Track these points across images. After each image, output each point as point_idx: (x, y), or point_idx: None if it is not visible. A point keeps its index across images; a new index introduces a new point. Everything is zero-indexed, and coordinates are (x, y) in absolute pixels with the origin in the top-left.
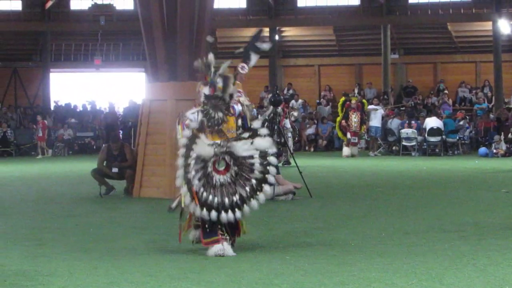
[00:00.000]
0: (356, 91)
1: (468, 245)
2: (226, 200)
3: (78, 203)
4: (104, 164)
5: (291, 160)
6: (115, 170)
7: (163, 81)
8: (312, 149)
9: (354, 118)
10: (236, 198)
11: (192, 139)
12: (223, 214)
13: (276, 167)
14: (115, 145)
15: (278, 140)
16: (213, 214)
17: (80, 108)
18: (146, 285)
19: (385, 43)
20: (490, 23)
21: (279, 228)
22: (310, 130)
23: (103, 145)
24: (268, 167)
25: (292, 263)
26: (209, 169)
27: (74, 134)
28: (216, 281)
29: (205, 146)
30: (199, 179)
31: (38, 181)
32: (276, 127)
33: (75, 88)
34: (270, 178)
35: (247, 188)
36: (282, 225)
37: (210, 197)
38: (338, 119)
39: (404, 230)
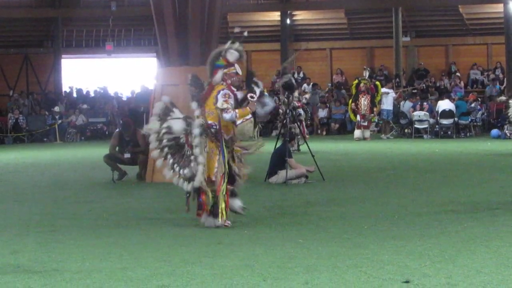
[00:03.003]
0: (366, 74)
1: (480, 227)
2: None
3: (91, 188)
4: (117, 149)
5: (301, 146)
6: (127, 155)
7: (175, 66)
8: (324, 133)
9: (364, 101)
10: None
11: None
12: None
13: (289, 151)
14: (127, 133)
15: (291, 125)
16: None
17: (92, 94)
18: (159, 270)
19: (397, 26)
20: (502, 5)
21: (292, 211)
22: (322, 114)
23: (116, 130)
24: None
25: (306, 246)
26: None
27: (86, 120)
28: (229, 265)
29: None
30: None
31: (51, 167)
32: (289, 112)
33: (87, 74)
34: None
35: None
36: (295, 208)
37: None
38: (350, 101)
39: (416, 213)
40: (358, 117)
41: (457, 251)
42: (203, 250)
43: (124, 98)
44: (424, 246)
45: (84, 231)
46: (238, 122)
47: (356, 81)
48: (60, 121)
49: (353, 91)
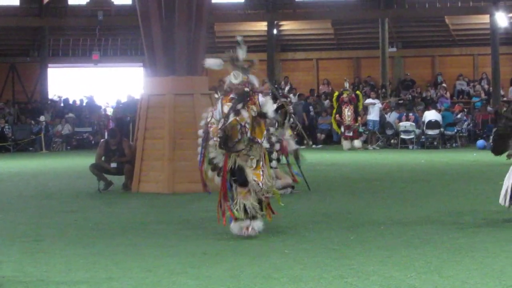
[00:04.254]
0: (346, 85)
1: (466, 238)
2: None
3: (77, 198)
4: (103, 159)
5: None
6: (113, 165)
7: (162, 76)
8: (310, 143)
9: (348, 112)
10: None
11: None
12: None
13: (277, 160)
14: (113, 140)
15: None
16: None
17: (78, 103)
18: (145, 280)
19: (383, 37)
20: (488, 16)
21: (278, 222)
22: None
23: (101, 140)
24: None
25: (291, 257)
26: None
27: (72, 129)
28: (215, 276)
29: None
30: None
31: (36, 176)
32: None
33: (73, 83)
34: None
35: None
36: (281, 218)
37: None
38: (334, 112)
39: (402, 223)
40: (342, 128)
41: (443, 261)
42: (188, 261)
43: (109, 111)
44: (410, 257)
45: (69, 241)
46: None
47: (337, 93)
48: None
49: (334, 103)
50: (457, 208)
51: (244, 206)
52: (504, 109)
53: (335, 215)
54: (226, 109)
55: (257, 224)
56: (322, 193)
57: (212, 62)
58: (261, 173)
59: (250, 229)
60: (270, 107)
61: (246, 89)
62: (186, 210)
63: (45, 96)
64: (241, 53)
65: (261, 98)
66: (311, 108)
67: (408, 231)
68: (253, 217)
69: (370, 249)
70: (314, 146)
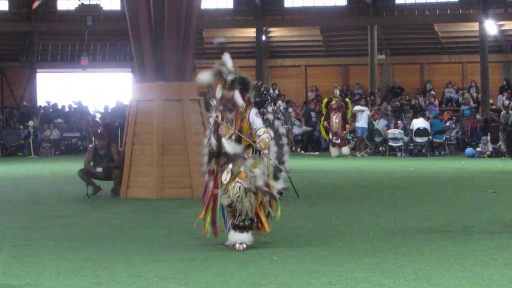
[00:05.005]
0: (337, 92)
1: (455, 245)
2: None
3: (65, 203)
4: (91, 164)
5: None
6: (101, 170)
7: (150, 82)
8: (299, 150)
9: (336, 118)
10: None
11: None
12: None
13: None
14: (101, 142)
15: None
16: None
17: (67, 109)
18: (133, 285)
19: (372, 44)
20: (477, 24)
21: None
22: (297, 131)
23: (90, 145)
24: None
25: (280, 263)
26: None
27: (60, 134)
28: (203, 281)
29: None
30: None
31: (25, 181)
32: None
33: (61, 88)
34: None
35: None
36: (269, 225)
37: None
38: (322, 119)
39: (391, 231)
40: (331, 135)
41: (432, 269)
42: (177, 266)
43: (97, 117)
44: (399, 264)
45: (58, 245)
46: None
47: (326, 99)
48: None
49: (324, 109)
50: (445, 215)
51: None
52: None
53: (324, 222)
54: (219, 117)
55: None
56: (311, 200)
57: (203, 78)
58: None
59: (238, 245)
60: (258, 122)
61: (217, 119)
62: (174, 215)
63: (33, 101)
64: (228, 64)
65: (252, 114)
66: (313, 114)
67: (396, 239)
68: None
69: (358, 256)
70: (312, 152)
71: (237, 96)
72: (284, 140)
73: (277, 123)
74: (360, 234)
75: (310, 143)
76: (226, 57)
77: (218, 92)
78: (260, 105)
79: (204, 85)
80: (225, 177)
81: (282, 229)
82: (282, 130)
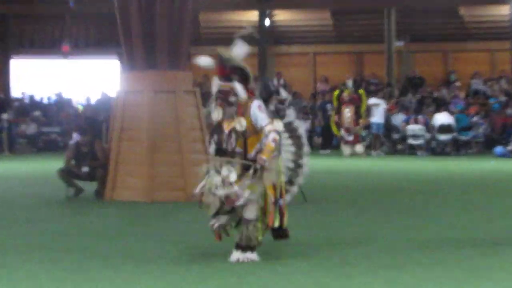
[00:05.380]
0: (349, 83)
1: (483, 258)
2: None
3: (43, 207)
4: (73, 163)
5: None
6: (84, 169)
7: (140, 70)
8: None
9: (347, 112)
10: None
11: None
12: None
13: None
14: (84, 139)
15: None
16: None
17: (45, 100)
18: None
19: (389, 29)
20: (507, 7)
21: (269, 236)
22: (305, 126)
23: (71, 141)
24: None
25: (285, 276)
26: None
27: (38, 129)
28: None
29: None
30: None
31: None
32: None
33: (40, 77)
34: None
35: None
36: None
37: None
38: (333, 113)
39: (411, 239)
40: (342, 132)
41: (457, 283)
42: (169, 279)
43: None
44: (420, 278)
45: (35, 254)
46: None
47: (338, 91)
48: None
49: (335, 102)
50: (473, 223)
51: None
52: None
53: (335, 229)
54: (215, 114)
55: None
56: (320, 205)
57: (204, 61)
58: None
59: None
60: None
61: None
62: (166, 221)
63: (7, 91)
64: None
65: (254, 107)
66: (328, 106)
67: (417, 249)
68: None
69: (374, 268)
70: (321, 151)
71: (238, 87)
72: (304, 139)
73: (296, 122)
74: (376, 243)
75: (328, 140)
76: (240, 44)
77: (215, 84)
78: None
79: (204, 68)
80: (230, 175)
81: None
82: (301, 129)
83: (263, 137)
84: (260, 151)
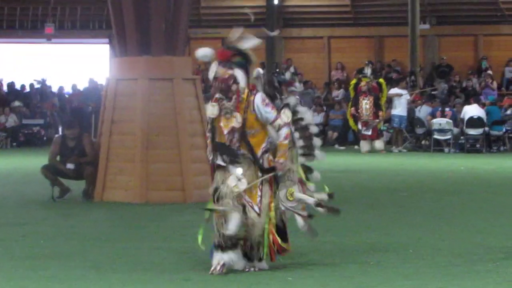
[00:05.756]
0: (368, 71)
1: None
2: None
3: (25, 208)
4: (58, 159)
5: None
6: (71, 166)
7: (133, 56)
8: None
9: (366, 104)
10: None
11: None
12: None
13: None
14: (70, 132)
15: None
16: None
17: (27, 89)
18: None
19: (413, 10)
20: None
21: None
22: (318, 119)
23: (56, 135)
24: None
25: (296, 285)
26: None
27: (19, 121)
28: None
29: None
30: None
31: None
32: None
33: (20, 63)
34: None
35: None
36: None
37: None
38: (349, 105)
39: (436, 246)
40: (360, 125)
41: None
42: (165, 287)
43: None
44: None
45: (15, 261)
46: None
47: (355, 80)
48: None
49: (352, 92)
50: (505, 228)
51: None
52: None
53: (351, 234)
54: (209, 110)
55: (230, 257)
56: (334, 206)
57: (202, 53)
58: (258, 197)
59: (219, 266)
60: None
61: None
62: (162, 224)
63: None
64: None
65: (258, 101)
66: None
67: (443, 256)
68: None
69: (395, 278)
70: (337, 147)
71: (239, 74)
72: (314, 128)
73: (301, 108)
74: (397, 250)
75: (346, 135)
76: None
77: (212, 70)
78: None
79: (203, 62)
80: (236, 182)
81: (298, 243)
82: (309, 117)
83: (271, 133)
84: (267, 150)
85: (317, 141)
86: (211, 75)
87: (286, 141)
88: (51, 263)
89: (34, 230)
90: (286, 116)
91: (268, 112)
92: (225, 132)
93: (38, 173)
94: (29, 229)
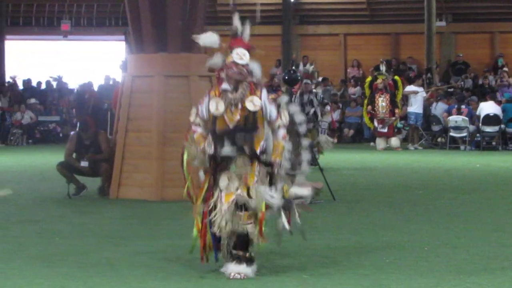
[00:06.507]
0: (382, 68)
1: None
2: None
3: (41, 205)
4: (74, 156)
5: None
6: (85, 164)
7: (149, 53)
8: (335, 140)
9: (382, 102)
10: None
11: None
12: None
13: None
14: (85, 134)
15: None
16: None
17: (43, 86)
18: None
19: (429, 7)
20: None
21: (295, 239)
22: (334, 117)
23: (72, 132)
24: None
25: (311, 283)
26: None
27: (35, 118)
28: None
29: None
30: None
31: None
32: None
33: (37, 60)
34: None
35: None
36: (298, 236)
37: None
38: (365, 102)
39: (452, 244)
40: (376, 123)
41: None
42: (182, 286)
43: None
44: (462, 286)
45: (31, 259)
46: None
47: (370, 78)
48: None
49: (367, 91)
50: None
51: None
52: None
53: (366, 232)
54: (213, 106)
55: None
56: (350, 204)
57: (207, 39)
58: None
59: (243, 275)
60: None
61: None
62: (178, 222)
63: (1, 76)
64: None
65: (265, 97)
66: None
67: (459, 254)
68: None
69: (411, 276)
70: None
71: (255, 66)
72: (302, 128)
73: (292, 107)
74: (413, 248)
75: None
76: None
77: (218, 59)
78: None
79: (207, 48)
80: (233, 185)
81: (313, 241)
82: (300, 116)
83: (268, 132)
84: (263, 152)
85: (305, 141)
86: (217, 62)
87: (283, 143)
88: (67, 260)
89: (50, 228)
90: (285, 117)
91: (272, 110)
92: (231, 126)
93: (54, 171)
94: (45, 226)
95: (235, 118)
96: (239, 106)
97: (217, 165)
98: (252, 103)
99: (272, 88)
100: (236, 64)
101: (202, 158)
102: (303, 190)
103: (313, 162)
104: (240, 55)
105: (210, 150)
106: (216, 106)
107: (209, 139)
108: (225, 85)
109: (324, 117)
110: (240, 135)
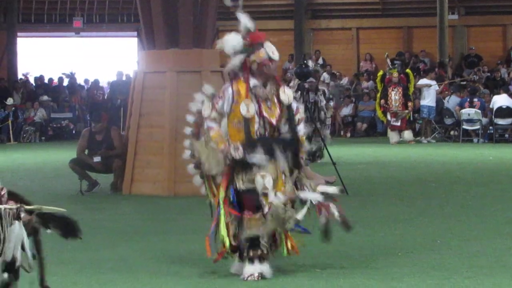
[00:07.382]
0: (388, 61)
1: None
2: None
3: (54, 202)
4: (86, 152)
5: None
6: (98, 159)
7: (161, 49)
8: (348, 134)
9: (395, 95)
10: None
11: None
12: None
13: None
14: (98, 126)
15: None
16: None
17: (55, 83)
18: None
19: (442, 1)
20: None
21: (306, 233)
22: (347, 111)
23: (84, 129)
24: None
25: (324, 277)
26: None
27: (47, 115)
28: None
29: None
30: None
31: (2, 174)
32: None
33: (49, 57)
34: None
35: None
36: (309, 229)
37: None
38: (378, 96)
39: (464, 237)
40: (389, 116)
41: None
42: (195, 282)
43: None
44: (475, 279)
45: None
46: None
47: (381, 72)
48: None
49: (379, 85)
50: None
51: (253, 240)
52: None
53: (379, 225)
54: (244, 109)
55: (267, 269)
56: (363, 197)
57: (231, 42)
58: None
59: (257, 275)
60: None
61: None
62: (190, 217)
63: (13, 73)
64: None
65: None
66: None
67: (472, 247)
68: (263, 258)
69: (423, 269)
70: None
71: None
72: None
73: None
74: (425, 241)
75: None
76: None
77: (237, 60)
78: (302, 78)
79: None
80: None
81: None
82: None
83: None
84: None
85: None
86: (236, 60)
87: (304, 137)
88: (80, 256)
89: None
90: (302, 111)
91: (293, 103)
92: (274, 122)
93: (66, 168)
94: None
95: (276, 113)
96: (275, 100)
97: (240, 169)
98: (286, 95)
99: (286, 82)
100: (272, 60)
101: (220, 160)
102: (331, 188)
103: (319, 155)
104: (273, 51)
105: (237, 154)
106: (247, 108)
107: (233, 141)
108: (254, 81)
109: (327, 113)
110: (278, 145)
